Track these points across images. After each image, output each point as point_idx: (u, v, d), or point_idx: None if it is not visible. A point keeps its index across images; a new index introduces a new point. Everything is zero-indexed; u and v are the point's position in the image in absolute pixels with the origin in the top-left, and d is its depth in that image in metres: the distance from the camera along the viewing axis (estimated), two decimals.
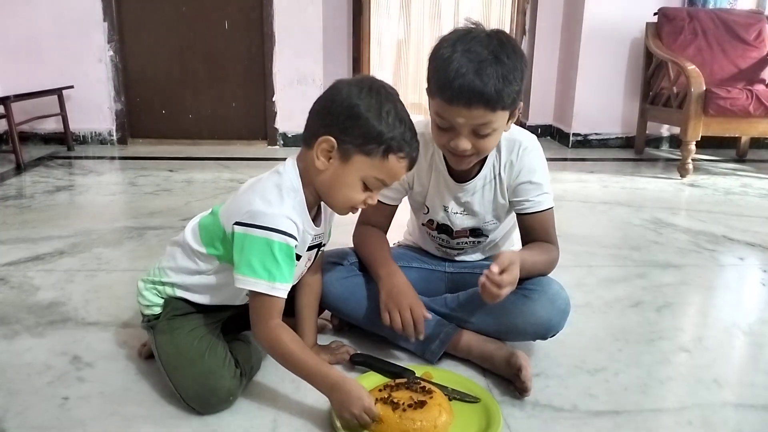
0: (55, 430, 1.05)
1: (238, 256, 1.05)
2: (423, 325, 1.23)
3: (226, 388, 1.09)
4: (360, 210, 1.17)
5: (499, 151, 1.29)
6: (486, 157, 1.28)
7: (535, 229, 1.30)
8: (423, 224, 1.43)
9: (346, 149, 1.06)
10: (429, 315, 1.25)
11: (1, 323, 1.44)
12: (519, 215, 1.32)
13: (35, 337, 1.38)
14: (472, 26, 1.15)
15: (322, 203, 1.17)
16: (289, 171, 1.10)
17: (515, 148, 1.28)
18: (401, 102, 1.09)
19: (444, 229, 1.39)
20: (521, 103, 1.20)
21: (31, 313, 1.50)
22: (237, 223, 1.05)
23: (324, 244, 1.24)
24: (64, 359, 1.28)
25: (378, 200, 1.21)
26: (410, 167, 1.11)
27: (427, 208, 1.39)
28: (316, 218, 1.16)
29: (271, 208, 1.05)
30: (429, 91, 1.18)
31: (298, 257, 1.13)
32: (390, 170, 1.08)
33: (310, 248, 1.17)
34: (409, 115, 1.09)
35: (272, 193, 1.07)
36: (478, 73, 1.08)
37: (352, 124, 1.04)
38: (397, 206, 1.41)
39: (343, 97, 1.05)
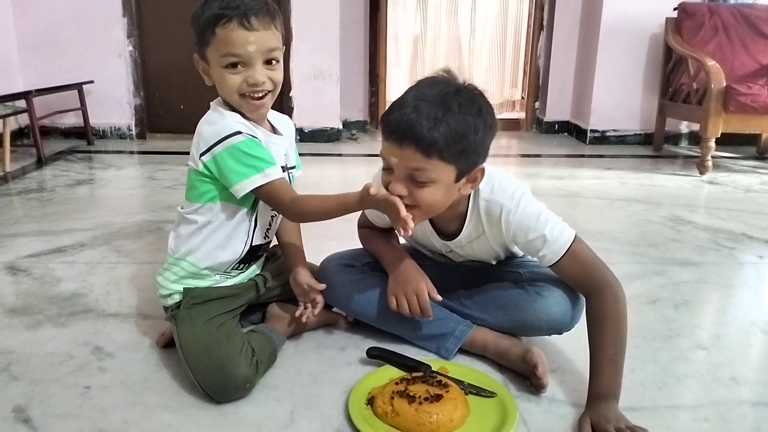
0: (77, 418, 1.07)
1: (222, 176, 1.14)
2: (429, 309, 1.24)
3: (242, 375, 1.11)
4: (258, 95, 1.17)
5: (477, 210, 1.21)
6: (465, 217, 1.22)
7: (569, 277, 1.21)
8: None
9: (204, 54, 1.18)
10: (438, 297, 1.25)
11: (25, 314, 1.47)
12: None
13: (57, 327, 1.40)
14: (444, 74, 1.11)
15: (270, 120, 1.28)
16: (214, 103, 1.24)
17: (497, 213, 1.18)
18: None
19: (445, 260, 1.37)
20: (481, 168, 1.13)
21: (53, 304, 1.53)
22: (202, 155, 1.15)
23: (293, 167, 1.31)
24: (86, 349, 1.30)
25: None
26: (245, 23, 1.11)
27: (422, 247, 1.39)
28: (273, 130, 1.28)
29: (216, 123, 1.16)
30: None
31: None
32: (224, 41, 1.13)
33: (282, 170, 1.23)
34: None
35: (212, 116, 1.20)
36: (416, 109, 1.04)
37: (194, 31, 1.18)
38: None
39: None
